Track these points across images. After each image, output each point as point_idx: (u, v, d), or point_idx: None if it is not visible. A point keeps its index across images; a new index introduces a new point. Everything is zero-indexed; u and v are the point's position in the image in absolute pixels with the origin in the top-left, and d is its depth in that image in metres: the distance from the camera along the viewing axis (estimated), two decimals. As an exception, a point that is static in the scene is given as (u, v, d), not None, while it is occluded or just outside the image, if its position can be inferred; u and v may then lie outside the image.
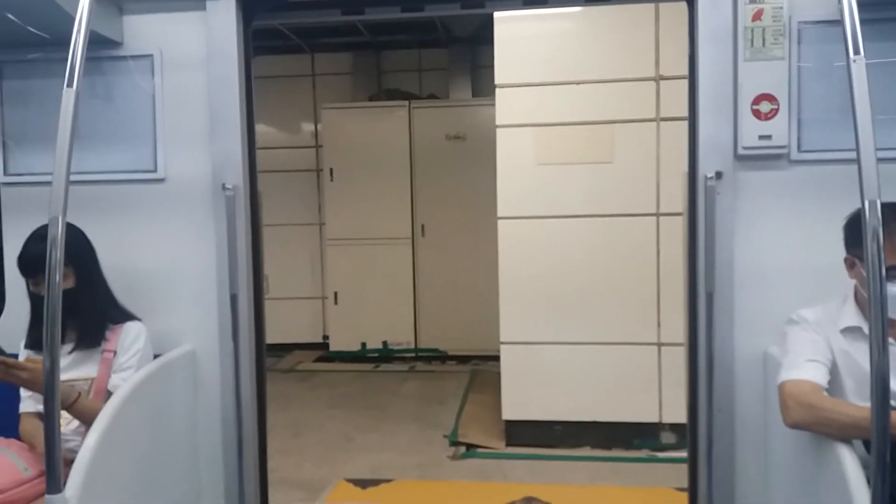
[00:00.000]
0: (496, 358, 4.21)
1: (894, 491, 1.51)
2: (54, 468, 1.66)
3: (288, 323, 6.21)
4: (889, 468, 1.45)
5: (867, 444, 1.56)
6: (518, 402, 4.05)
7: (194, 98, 2.36)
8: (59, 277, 1.64)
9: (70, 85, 1.72)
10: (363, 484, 3.55)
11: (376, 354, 6.09)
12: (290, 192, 6.35)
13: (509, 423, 4.09)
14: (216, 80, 2.34)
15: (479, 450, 4.01)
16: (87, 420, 1.92)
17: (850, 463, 1.60)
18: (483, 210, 5.14)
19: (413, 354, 6.08)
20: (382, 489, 3.49)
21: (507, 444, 4.05)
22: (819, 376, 1.80)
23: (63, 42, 1.77)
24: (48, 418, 1.64)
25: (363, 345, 6.11)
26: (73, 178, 1.70)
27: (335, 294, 6.13)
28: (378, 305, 6.06)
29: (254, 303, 2.40)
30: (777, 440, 2.04)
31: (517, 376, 4.05)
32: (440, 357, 6.07)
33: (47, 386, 1.64)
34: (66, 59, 1.72)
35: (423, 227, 6.04)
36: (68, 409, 1.93)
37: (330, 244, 6.14)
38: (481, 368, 5.67)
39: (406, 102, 6.06)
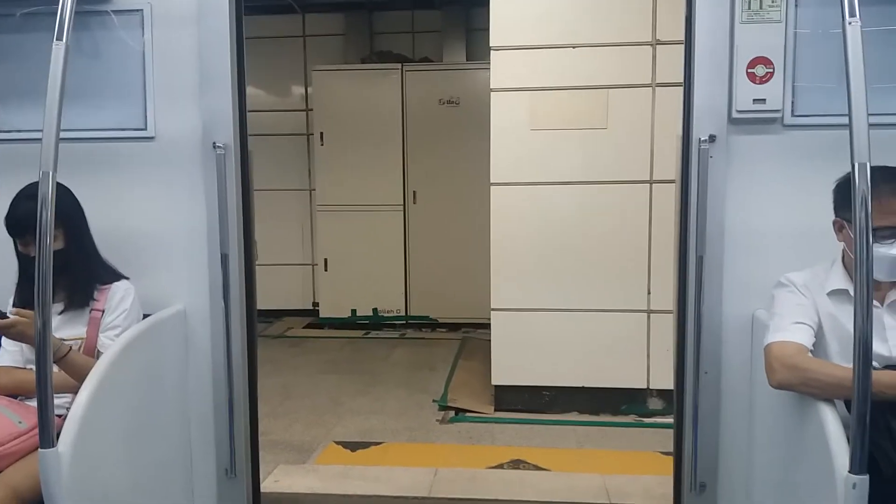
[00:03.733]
0: (486, 325, 4.23)
1: (873, 449, 1.55)
2: (47, 423, 1.67)
3: (277, 289, 6.20)
4: (868, 427, 1.47)
5: (848, 404, 1.58)
6: (508, 368, 4.09)
7: (184, 55, 2.32)
8: (50, 238, 1.63)
9: (59, 39, 1.70)
10: (353, 446, 3.58)
11: (366, 321, 6.11)
12: (279, 156, 6.29)
13: (499, 388, 4.12)
14: (207, 37, 2.30)
15: (468, 414, 4.05)
16: (77, 375, 1.92)
17: (831, 422, 1.63)
18: (475, 177, 5.12)
19: (403, 321, 6.10)
20: (372, 451, 3.53)
21: (496, 410, 4.09)
22: (805, 338, 1.82)
23: None
24: (40, 375, 1.64)
25: (353, 311, 6.12)
26: (61, 135, 1.68)
27: (325, 261, 6.12)
28: (368, 272, 6.06)
29: (245, 263, 2.39)
30: (762, 401, 2.07)
31: (507, 342, 4.08)
32: (430, 324, 6.09)
33: (39, 345, 1.64)
34: (55, 14, 1.69)
35: (414, 193, 6.02)
36: (59, 362, 1.93)
37: (320, 210, 6.11)
38: (471, 336, 5.70)
39: (399, 65, 5.98)
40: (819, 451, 1.64)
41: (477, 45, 6.13)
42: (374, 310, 6.10)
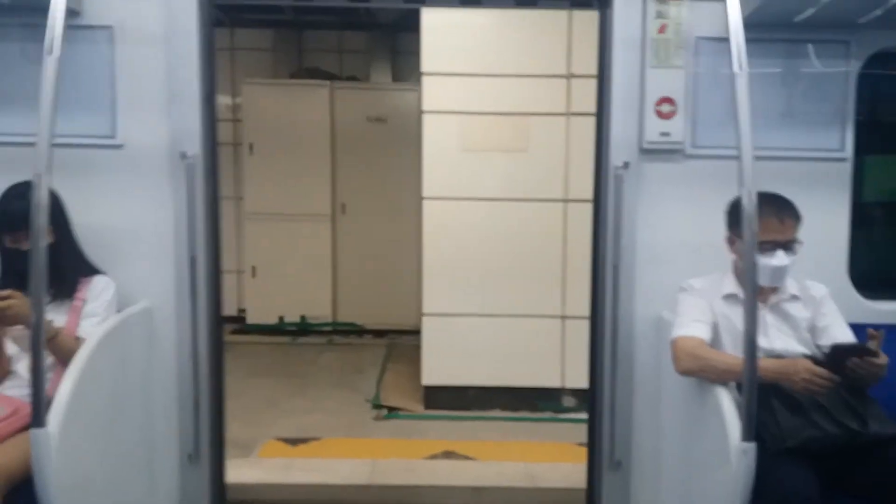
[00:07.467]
0: (411, 332, 4.46)
1: (759, 423, 1.90)
2: (39, 404, 1.81)
3: (202, 295, 6.15)
4: (755, 405, 1.83)
5: (740, 387, 1.92)
6: (436, 369, 4.36)
7: (154, 68, 2.48)
8: (43, 241, 1.78)
9: (50, 52, 1.86)
10: (293, 442, 3.75)
11: (294, 328, 6.20)
12: (206, 165, 6.29)
13: (427, 388, 4.39)
14: (176, 51, 2.47)
15: (401, 412, 4.30)
16: (63, 357, 2.07)
17: (726, 401, 1.97)
18: (402, 191, 5.38)
19: (331, 328, 6.23)
20: (312, 446, 3.71)
21: (426, 408, 4.35)
22: (704, 333, 2.20)
23: (20, 8, 1.87)
24: (35, 360, 1.79)
25: (281, 318, 6.20)
26: (28, 140, 1.83)
27: (253, 268, 6.17)
28: (297, 280, 6.16)
29: (212, 266, 2.56)
30: (669, 387, 2.43)
31: (436, 345, 4.35)
32: (357, 331, 6.24)
33: (34, 336, 1.79)
34: (21, 25, 1.83)
35: (343, 205, 6.18)
36: (48, 342, 2.02)
37: (249, 218, 6.15)
38: (397, 342, 5.90)
39: (328, 82, 6.14)
40: (716, 425, 1.97)
41: (402, 68, 6.40)
42: (302, 317, 6.20)
